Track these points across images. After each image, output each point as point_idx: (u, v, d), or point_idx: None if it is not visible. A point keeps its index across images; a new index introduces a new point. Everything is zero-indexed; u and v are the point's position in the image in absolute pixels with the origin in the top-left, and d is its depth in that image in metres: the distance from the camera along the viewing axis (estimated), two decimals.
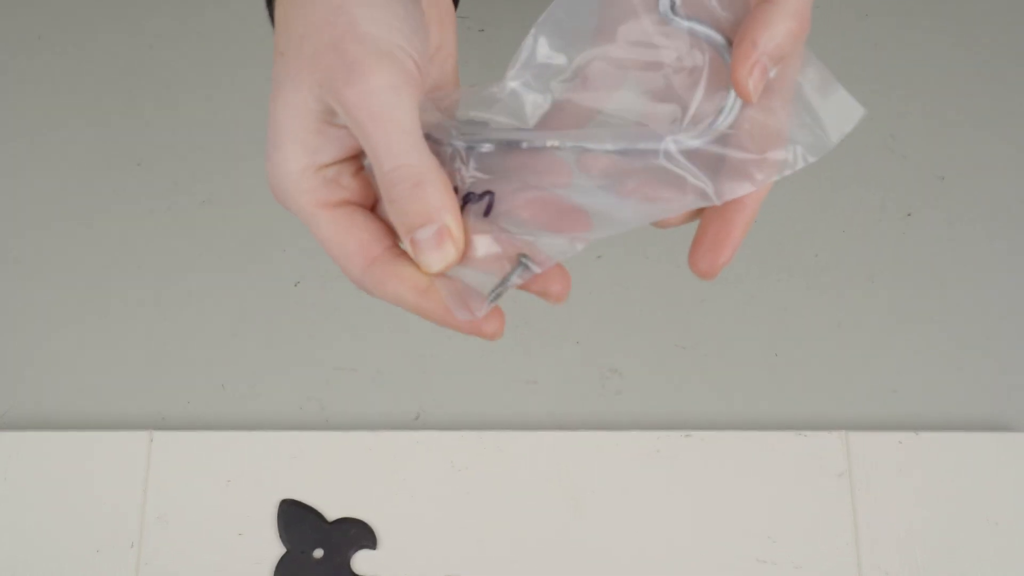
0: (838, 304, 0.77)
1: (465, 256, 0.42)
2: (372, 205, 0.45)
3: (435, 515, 0.69)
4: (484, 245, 0.42)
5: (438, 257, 0.41)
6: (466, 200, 0.42)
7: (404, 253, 0.42)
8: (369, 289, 0.43)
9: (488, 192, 0.42)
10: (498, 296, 0.42)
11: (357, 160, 0.45)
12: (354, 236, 0.43)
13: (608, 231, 0.41)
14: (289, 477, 0.70)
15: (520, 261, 0.42)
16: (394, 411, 0.73)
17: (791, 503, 0.70)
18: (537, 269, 0.42)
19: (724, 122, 0.41)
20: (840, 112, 0.43)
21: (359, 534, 0.68)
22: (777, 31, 0.41)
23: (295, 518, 0.68)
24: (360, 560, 0.68)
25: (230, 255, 0.78)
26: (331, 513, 0.69)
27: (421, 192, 0.41)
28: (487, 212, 0.42)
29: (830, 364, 0.75)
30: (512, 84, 0.44)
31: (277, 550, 0.68)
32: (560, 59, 0.44)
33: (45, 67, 0.84)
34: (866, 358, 0.76)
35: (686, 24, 0.42)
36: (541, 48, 0.44)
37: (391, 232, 0.43)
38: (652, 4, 0.43)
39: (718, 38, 0.42)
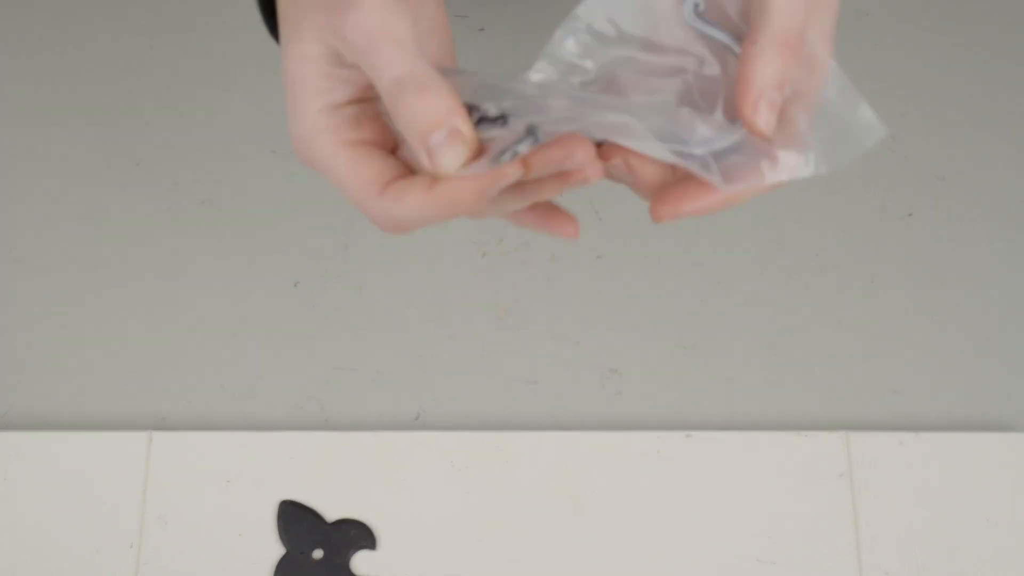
0: (838, 304, 0.77)
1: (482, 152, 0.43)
2: (392, 149, 0.45)
3: (435, 515, 0.69)
4: (499, 133, 0.42)
5: (452, 157, 0.42)
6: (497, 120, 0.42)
7: (412, 178, 0.43)
8: (390, 211, 0.43)
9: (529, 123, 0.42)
10: (503, 156, 0.42)
11: (373, 103, 0.45)
12: (372, 166, 0.44)
13: (626, 142, 0.41)
14: (289, 477, 0.70)
15: (529, 131, 0.42)
16: (394, 411, 0.73)
17: (791, 503, 0.70)
18: (544, 138, 0.42)
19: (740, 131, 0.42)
20: (862, 129, 0.43)
21: (359, 535, 0.68)
22: (768, 63, 0.41)
23: (295, 518, 0.68)
24: (360, 561, 0.68)
25: (230, 255, 0.78)
26: (331, 513, 0.69)
27: (426, 97, 0.42)
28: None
29: (830, 364, 0.75)
30: (537, 77, 0.44)
31: (277, 550, 0.68)
32: (587, 62, 0.44)
33: (45, 67, 0.84)
34: (866, 358, 0.76)
35: (708, 30, 0.42)
36: (568, 47, 0.44)
37: (406, 168, 0.44)
38: (677, 11, 0.43)
39: (736, 48, 0.42)
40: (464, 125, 0.42)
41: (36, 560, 0.67)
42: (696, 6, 0.42)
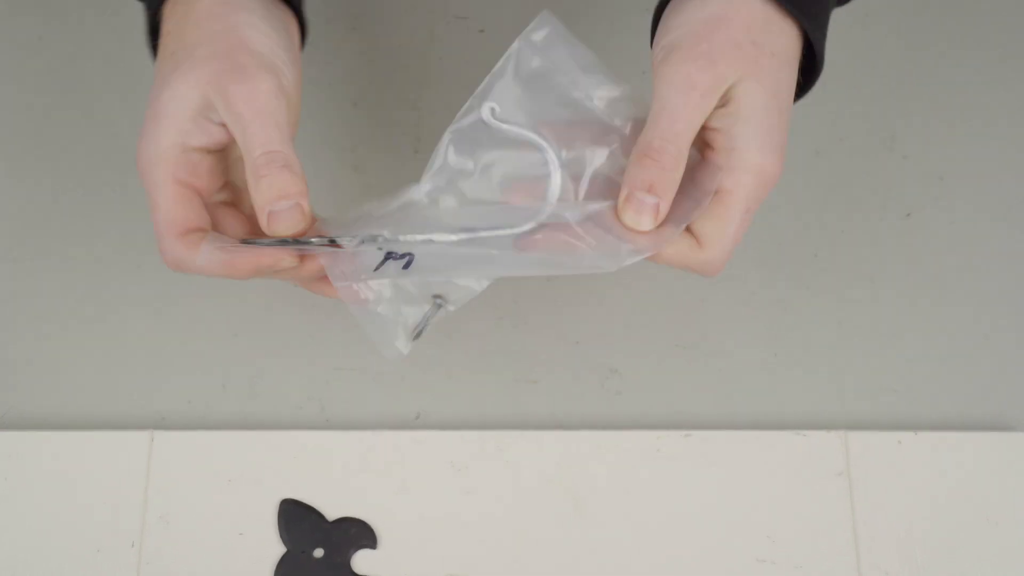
0: (838, 304, 0.77)
1: (386, 299, 0.53)
2: (206, 197, 0.54)
3: (435, 515, 0.69)
4: (404, 288, 0.52)
5: (289, 224, 0.50)
6: (387, 257, 0.51)
7: (212, 233, 0.52)
8: (178, 253, 0.51)
9: (409, 253, 0.51)
10: (420, 333, 0.53)
11: (213, 157, 0.53)
12: (184, 210, 0.52)
13: (507, 274, 0.51)
14: (289, 477, 0.70)
15: (435, 302, 0.53)
16: (394, 411, 0.73)
17: (790, 503, 0.70)
18: (451, 307, 0.53)
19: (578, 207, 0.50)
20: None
21: (359, 534, 0.68)
22: (633, 167, 0.49)
23: (295, 518, 0.68)
24: (360, 560, 0.68)
25: None
26: (331, 513, 0.69)
27: (288, 173, 0.50)
28: (407, 267, 0.50)
29: (830, 364, 0.75)
30: (426, 187, 0.53)
31: (277, 550, 0.68)
32: (468, 163, 0.53)
33: (45, 67, 0.84)
34: (865, 357, 0.76)
35: (506, 128, 0.51)
36: (451, 155, 0.53)
37: (207, 222, 0.53)
38: (535, 115, 0.52)
39: (539, 141, 0.50)
40: (307, 204, 0.51)
41: (36, 560, 0.67)
42: (492, 110, 0.51)
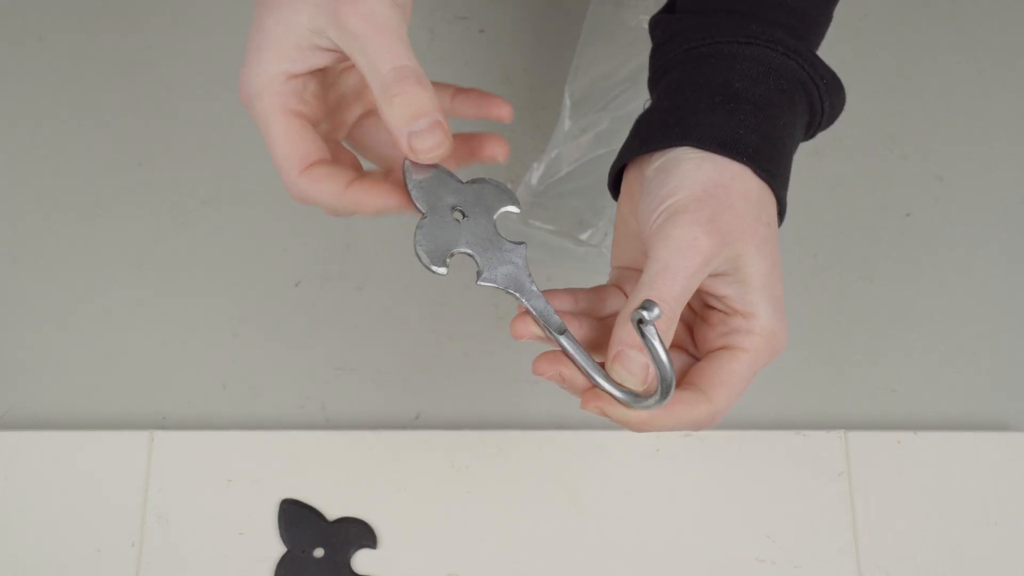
0: (838, 304, 0.77)
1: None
2: (316, 124, 0.51)
3: (435, 515, 0.69)
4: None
5: (433, 143, 0.48)
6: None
7: (331, 167, 0.50)
8: (302, 187, 0.49)
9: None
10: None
11: (317, 80, 0.51)
12: (303, 143, 0.49)
13: None
14: (289, 477, 0.70)
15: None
16: (394, 411, 0.73)
17: (790, 502, 0.70)
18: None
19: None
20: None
21: (359, 533, 0.68)
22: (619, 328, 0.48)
23: (296, 517, 0.68)
24: (360, 559, 0.68)
25: (230, 255, 0.78)
26: (331, 512, 0.69)
27: (423, 90, 0.47)
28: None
29: (829, 364, 0.76)
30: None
31: (278, 549, 0.68)
32: None
33: (45, 67, 0.84)
34: (865, 358, 0.76)
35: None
36: None
37: (326, 151, 0.50)
38: None
39: (666, 367, 0.47)
40: (446, 121, 0.48)
41: (37, 560, 0.67)
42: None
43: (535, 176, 0.76)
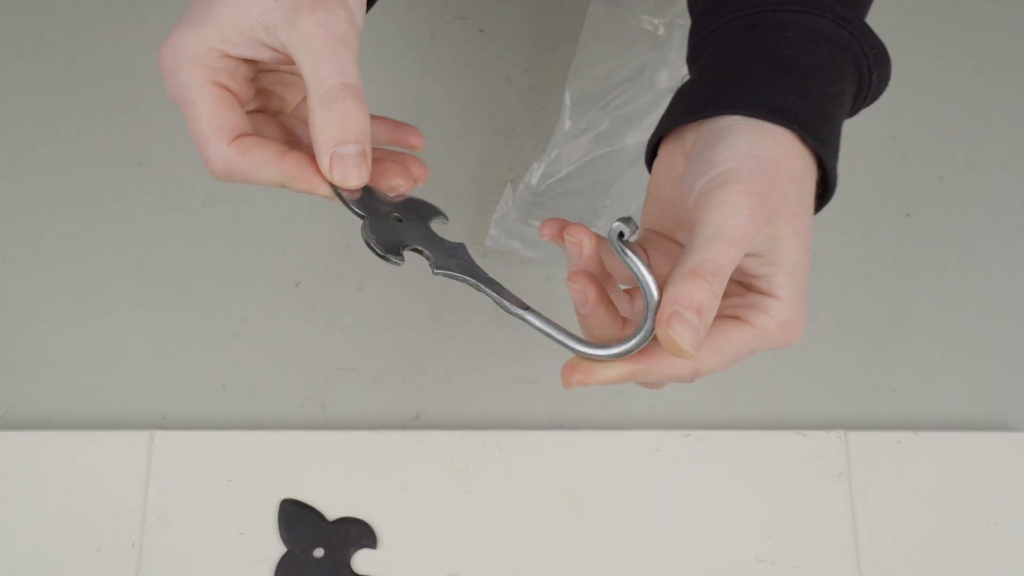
0: (838, 304, 0.77)
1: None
2: (243, 105, 0.50)
3: (435, 515, 0.69)
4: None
5: (356, 173, 0.47)
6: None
7: (260, 138, 0.48)
8: (229, 157, 0.48)
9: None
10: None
11: (248, 67, 0.50)
12: (231, 114, 0.48)
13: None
14: (289, 477, 0.70)
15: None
16: (394, 411, 0.73)
17: (790, 502, 0.70)
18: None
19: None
20: None
21: (359, 533, 0.68)
22: (677, 286, 0.46)
23: (296, 517, 0.68)
24: (360, 559, 0.68)
25: (230, 255, 0.78)
26: (331, 512, 0.69)
27: (363, 115, 0.46)
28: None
29: (829, 364, 0.76)
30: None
31: (278, 549, 0.68)
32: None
33: (45, 67, 0.84)
34: (865, 358, 0.76)
35: (631, 259, 0.46)
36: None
37: (252, 128, 0.49)
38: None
39: (650, 285, 0.47)
40: (370, 154, 0.47)
41: (37, 560, 0.67)
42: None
43: (535, 176, 0.76)
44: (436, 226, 0.51)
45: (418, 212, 0.51)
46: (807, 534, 0.69)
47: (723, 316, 0.49)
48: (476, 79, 0.83)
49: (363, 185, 0.48)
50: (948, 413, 0.74)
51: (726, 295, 0.48)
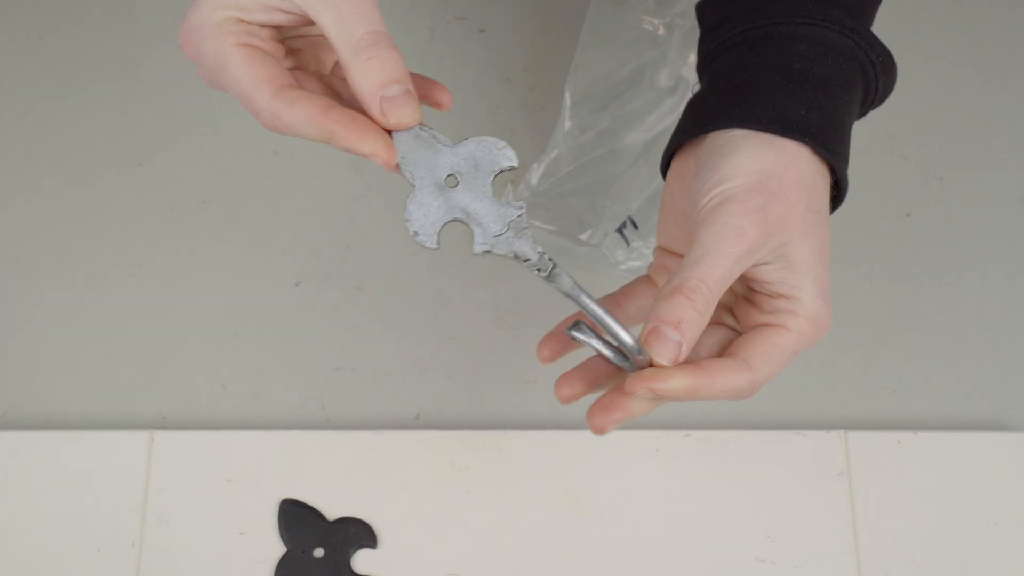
0: (837, 304, 0.77)
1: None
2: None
3: (435, 515, 0.69)
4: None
5: (406, 111, 0.47)
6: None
7: (305, 92, 0.47)
8: (277, 110, 0.47)
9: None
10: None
11: (269, 31, 0.49)
12: (266, 68, 0.47)
13: None
14: (289, 477, 0.70)
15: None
16: (394, 411, 0.73)
17: (790, 502, 0.70)
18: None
19: None
20: None
21: (359, 533, 0.68)
22: (664, 303, 0.48)
23: (296, 517, 0.68)
24: (360, 559, 0.68)
25: (230, 255, 0.78)
26: (331, 512, 0.69)
27: (398, 56, 0.47)
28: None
29: (829, 364, 0.76)
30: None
31: (278, 549, 0.68)
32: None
33: (45, 67, 0.84)
34: (865, 358, 0.76)
35: (587, 340, 0.50)
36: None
37: (292, 80, 0.48)
38: None
39: (609, 353, 0.51)
40: (414, 90, 0.47)
41: (37, 560, 0.67)
42: (576, 324, 0.51)
43: (535, 176, 0.76)
44: (501, 177, 0.50)
45: (480, 163, 0.48)
46: (807, 534, 0.69)
47: (765, 326, 0.51)
48: (476, 79, 0.83)
49: (419, 121, 0.48)
50: (948, 413, 0.74)
51: (756, 306, 0.51)
